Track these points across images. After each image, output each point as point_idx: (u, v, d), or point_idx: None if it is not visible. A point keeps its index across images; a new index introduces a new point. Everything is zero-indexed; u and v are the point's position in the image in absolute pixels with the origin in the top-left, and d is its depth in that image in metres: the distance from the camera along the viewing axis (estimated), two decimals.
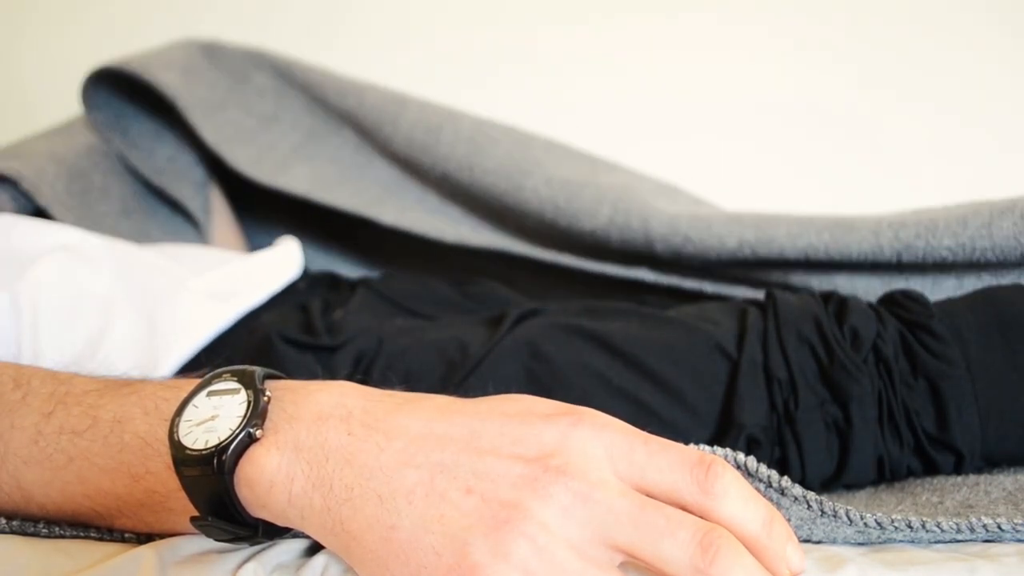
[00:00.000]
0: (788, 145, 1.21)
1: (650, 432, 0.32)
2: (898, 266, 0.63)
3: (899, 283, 0.63)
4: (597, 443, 0.31)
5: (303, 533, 0.34)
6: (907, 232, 0.61)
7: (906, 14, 1.14)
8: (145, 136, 0.81)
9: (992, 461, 0.51)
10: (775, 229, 0.65)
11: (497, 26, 1.23)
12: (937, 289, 0.62)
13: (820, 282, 0.66)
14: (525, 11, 1.21)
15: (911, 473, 0.51)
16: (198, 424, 0.34)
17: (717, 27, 1.20)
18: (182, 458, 0.33)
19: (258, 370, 0.36)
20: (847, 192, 1.19)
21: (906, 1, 1.14)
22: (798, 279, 0.67)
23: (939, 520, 0.39)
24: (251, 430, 0.33)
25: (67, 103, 0.94)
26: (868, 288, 0.64)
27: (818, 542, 0.39)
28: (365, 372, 0.55)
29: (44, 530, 0.38)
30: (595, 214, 0.70)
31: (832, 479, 0.51)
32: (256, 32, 1.29)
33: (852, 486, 0.52)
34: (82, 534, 0.39)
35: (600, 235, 0.70)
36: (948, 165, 1.15)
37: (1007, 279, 0.61)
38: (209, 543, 0.36)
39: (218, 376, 0.36)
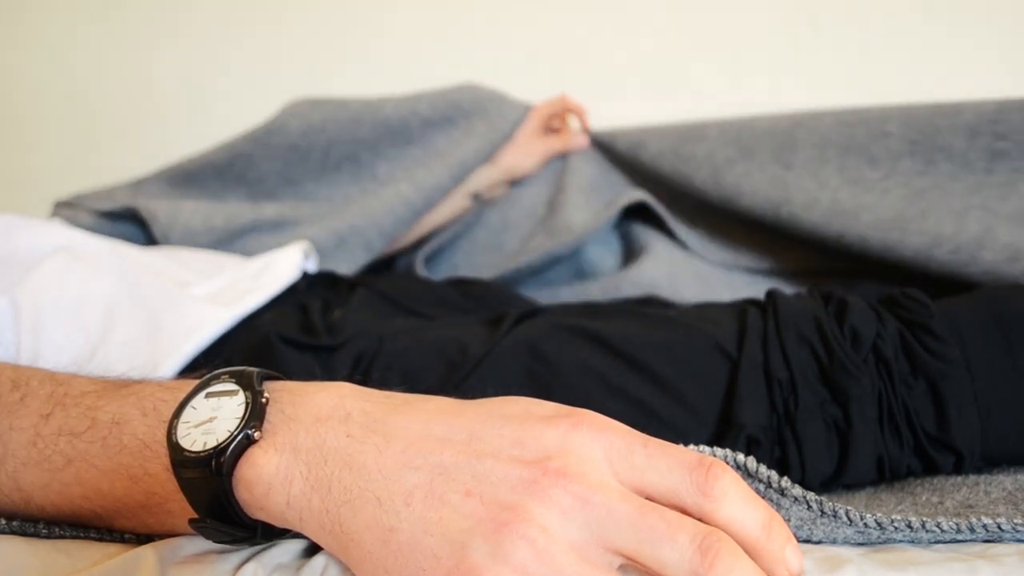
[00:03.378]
0: None
1: (650, 432, 0.32)
2: None
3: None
4: (597, 446, 0.31)
5: (302, 534, 0.34)
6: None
7: (907, 17, 1.14)
8: None
9: (992, 461, 0.51)
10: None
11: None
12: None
13: None
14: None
15: (911, 473, 0.51)
16: (196, 426, 0.33)
17: (718, 32, 1.20)
18: (180, 460, 0.33)
19: (256, 371, 0.35)
20: None
21: (908, 5, 1.14)
22: None
23: (939, 520, 0.39)
24: (249, 432, 0.33)
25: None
26: None
27: (818, 542, 0.39)
28: (365, 372, 0.55)
29: (44, 530, 0.38)
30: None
31: (832, 479, 0.51)
32: (273, 30, 1.29)
33: (852, 486, 0.52)
34: (82, 534, 0.39)
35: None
36: None
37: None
38: (209, 543, 0.36)
39: (216, 377, 0.35)
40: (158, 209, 0.78)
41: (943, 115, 0.69)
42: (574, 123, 1.01)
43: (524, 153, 0.95)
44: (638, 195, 0.87)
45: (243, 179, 0.86)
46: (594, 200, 0.92)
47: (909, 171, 0.71)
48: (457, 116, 0.90)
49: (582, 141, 0.96)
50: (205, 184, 0.86)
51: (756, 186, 0.78)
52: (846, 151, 0.74)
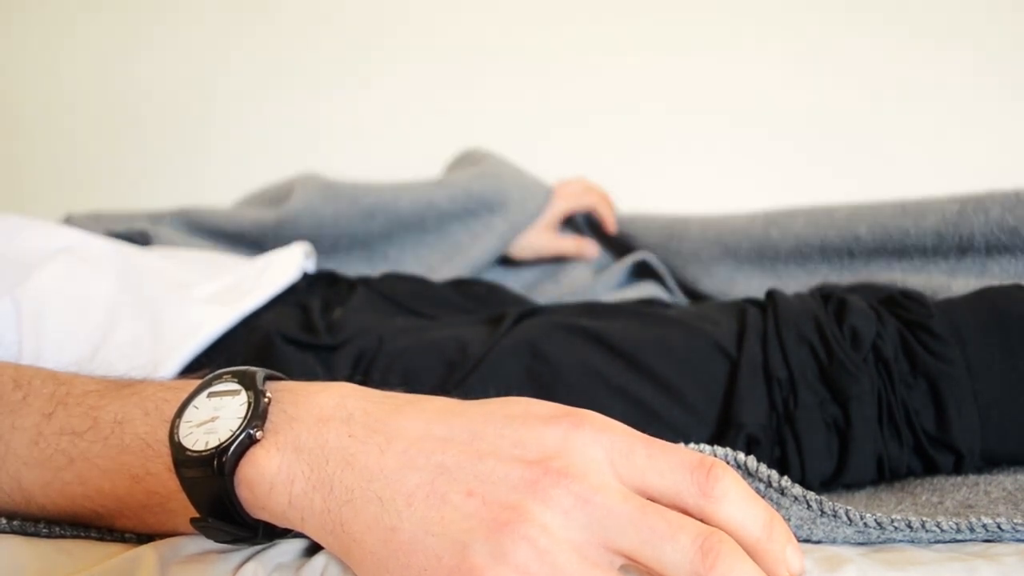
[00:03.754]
0: (785, 149, 1.21)
1: (650, 432, 0.32)
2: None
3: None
4: (598, 446, 0.31)
5: (303, 534, 0.34)
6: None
7: (907, 17, 1.14)
8: None
9: (992, 461, 0.51)
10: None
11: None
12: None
13: None
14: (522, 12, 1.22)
15: (911, 473, 0.51)
16: (198, 425, 0.34)
17: (718, 31, 1.20)
18: (182, 459, 0.33)
19: (259, 371, 0.35)
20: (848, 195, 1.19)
21: (906, 5, 1.14)
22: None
23: (939, 520, 0.39)
24: (251, 431, 0.33)
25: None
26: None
27: (818, 542, 0.39)
28: (365, 371, 0.55)
29: (44, 530, 0.38)
30: None
31: (832, 478, 0.51)
32: (248, 31, 1.29)
33: (852, 486, 0.52)
34: (82, 534, 0.39)
35: None
36: (948, 167, 1.15)
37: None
38: (209, 543, 0.36)
39: (219, 377, 0.35)
40: None
41: (908, 217, 0.73)
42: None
43: (536, 244, 0.93)
44: (641, 255, 0.90)
45: (256, 246, 0.88)
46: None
47: (889, 261, 0.75)
48: (480, 209, 0.90)
49: (593, 251, 0.94)
50: (217, 240, 0.88)
51: (748, 277, 0.82)
52: (823, 250, 0.78)
